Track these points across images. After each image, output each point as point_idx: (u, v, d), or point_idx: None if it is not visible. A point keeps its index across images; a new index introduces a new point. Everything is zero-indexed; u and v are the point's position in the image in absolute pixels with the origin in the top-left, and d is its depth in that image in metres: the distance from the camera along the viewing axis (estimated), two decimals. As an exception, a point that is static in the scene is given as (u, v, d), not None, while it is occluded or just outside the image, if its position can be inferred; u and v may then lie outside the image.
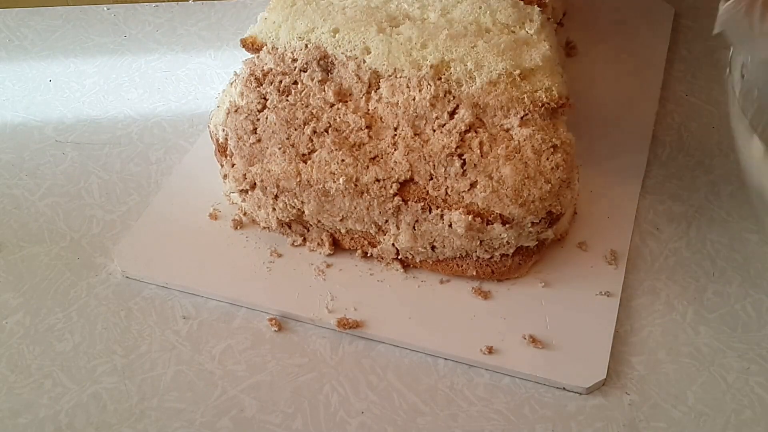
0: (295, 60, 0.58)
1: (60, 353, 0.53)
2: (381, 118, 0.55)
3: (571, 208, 0.57)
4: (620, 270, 0.55)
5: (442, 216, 0.52)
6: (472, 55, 0.55)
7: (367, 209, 0.53)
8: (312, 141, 0.54)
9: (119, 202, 0.62)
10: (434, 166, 0.53)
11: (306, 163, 0.54)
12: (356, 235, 0.56)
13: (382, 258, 0.56)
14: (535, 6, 0.59)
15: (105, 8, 0.81)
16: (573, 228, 0.58)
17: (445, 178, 0.52)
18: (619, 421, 0.49)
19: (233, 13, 0.80)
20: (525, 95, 0.54)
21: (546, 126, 0.54)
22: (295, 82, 0.57)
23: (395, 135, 0.54)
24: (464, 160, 0.52)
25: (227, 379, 0.51)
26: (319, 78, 0.57)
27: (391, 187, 0.52)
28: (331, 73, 0.57)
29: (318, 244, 0.57)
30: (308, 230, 0.57)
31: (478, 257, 0.54)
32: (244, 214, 0.59)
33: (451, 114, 0.54)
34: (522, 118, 0.53)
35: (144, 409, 0.50)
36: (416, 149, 0.53)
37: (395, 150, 0.53)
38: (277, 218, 0.56)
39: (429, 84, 0.55)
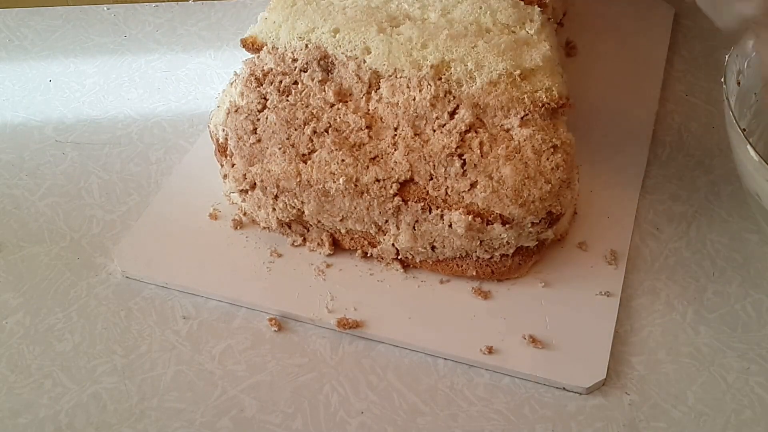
0: (295, 60, 0.58)
1: (60, 353, 0.53)
2: (381, 118, 0.55)
3: (571, 208, 0.57)
4: (620, 270, 0.55)
5: (442, 216, 0.52)
6: (473, 55, 0.55)
7: (367, 209, 0.53)
8: (312, 141, 0.54)
9: (119, 202, 0.62)
10: (434, 166, 0.53)
11: (306, 163, 0.54)
12: (356, 235, 0.56)
13: (382, 258, 0.56)
14: (536, 6, 0.59)
15: (105, 8, 0.81)
16: (573, 228, 0.58)
17: (445, 178, 0.52)
18: (619, 421, 0.49)
19: (233, 13, 0.80)
20: (525, 95, 0.54)
21: (546, 126, 0.54)
22: (296, 82, 0.57)
23: (395, 135, 0.54)
24: (464, 160, 0.52)
25: (227, 379, 0.51)
26: (320, 78, 0.57)
27: (391, 187, 0.52)
28: (332, 73, 0.57)
29: (318, 244, 0.57)
30: (308, 230, 0.57)
31: (478, 257, 0.54)
32: (244, 214, 0.59)
33: (452, 114, 0.54)
34: (522, 118, 0.53)
35: (144, 409, 0.50)
36: (416, 149, 0.53)
37: (395, 150, 0.53)
38: (277, 218, 0.56)
39: (429, 84, 0.55)
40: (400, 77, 0.55)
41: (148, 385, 0.51)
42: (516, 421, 0.49)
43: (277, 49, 0.59)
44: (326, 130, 0.54)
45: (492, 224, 0.52)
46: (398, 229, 0.54)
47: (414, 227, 0.53)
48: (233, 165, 0.56)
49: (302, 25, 0.59)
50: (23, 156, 0.66)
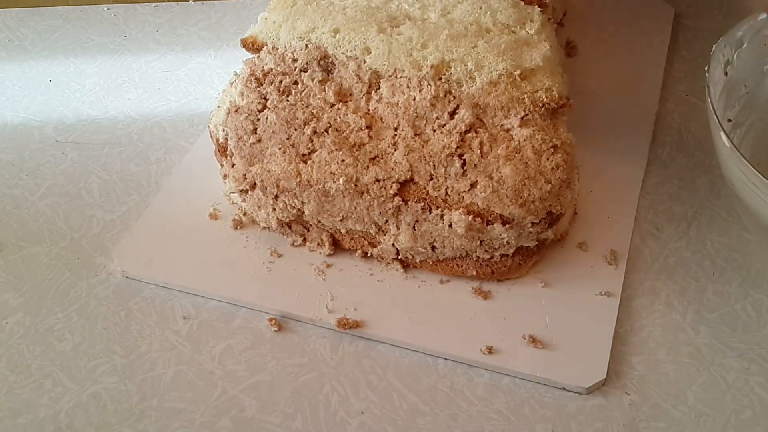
0: (295, 60, 0.58)
1: (60, 353, 0.53)
2: (381, 119, 0.55)
3: (571, 208, 0.57)
4: (620, 270, 0.55)
5: (442, 216, 0.52)
6: (473, 55, 0.55)
7: (367, 209, 0.53)
8: (312, 141, 0.54)
9: (119, 202, 0.62)
10: (434, 166, 0.53)
11: (306, 163, 0.54)
12: (356, 235, 0.56)
13: (382, 258, 0.56)
14: (536, 6, 0.59)
15: (105, 8, 0.81)
16: (573, 228, 0.58)
17: (446, 178, 0.52)
18: (619, 421, 0.49)
19: (233, 13, 0.80)
20: (525, 95, 0.54)
21: (546, 126, 0.54)
22: (296, 82, 0.57)
23: (395, 135, 0.54)
24: (464, 160, 0.52)
25: (227, 379, 0.51)
26: (320, 78, 0.57)
27: (391, 187, 0.52)
28: (332, 73, 0.57)
29: (318, 244, 0.57)
30: (308, 230, 0.57)
31: (478, 257, 0.54)
32: (244, 214, 0.59)
33: (452, 114, 0.54)
34: (522, 118, 0.53)
35: (144, 409, 0.50)
36: (416, 149, 0.53)
37: (395, 150, 0.53)
38: (277, 218, 0.56)
39: (429, 84, 0.55)
40: (400, 77, 0.55)
41: (148, 385, 0.51)
42: (516, 421, 0.49)
43: (277, 49, 0.59)
44: (326, 130, 0.54)
45: (492, 224, 0.52)
46: (398, 229, 0.54)
47: (414, 227, 0.53)
48: (233, 165, 0.56)
49: (302, 25, 0.59)
50: (23, 156, 0.66)
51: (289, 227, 0.57)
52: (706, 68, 0.53)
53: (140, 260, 0.57)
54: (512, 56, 0.55)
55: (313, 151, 0.54)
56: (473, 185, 0.52)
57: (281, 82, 0.57)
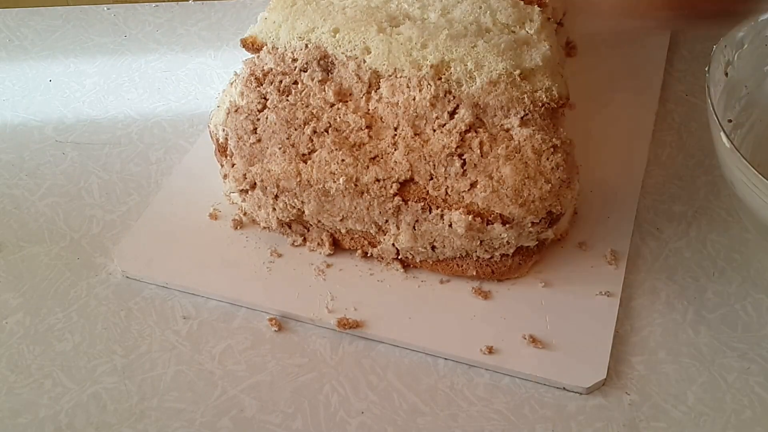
0: (295, 60, 0.58)
1: (60, 353, 0.53)
2: (381, 118, 0.55)
3: (571, 208, 0.57)
4: (620, 270, 0.55)
5: (442, 216, 0.52)
6: (473, 55, 0.55)
7: (367, 209, 0.53)
8: (312, 141, 0.54)
9: (119, 202, 0.62)
10: (434, 166, 0.52)
11: (306, 163, 0.54)
12: (356, 235, 0.56)
13: (382, 258, 0.56)
14: (536, 6, 0.59)
15: (105, 8, 0.81)
16: (573, 228, 0.58)
17: (445, 178, 0.52)
18: (619, 421, 0.49)
19: (233, 13, 0.80)
20: (525, 95, 0.54)
21: (546, 126, 0.54)
22: (296, 82, 0.57)
23: (395, 135, 0.54)
24: (464, 160, 0.52)
25: (227, 379, 0.51)
26: (320, 78, 0.57)
27: (391, 187, 0.52)
28: (332, 73, 0.57)
29: (318, 244, 0.57)
30: (308, 230, 0.57)
31: (478, 257, 0.54)
32: (244, 214, 0.59)
33: (451, 114, 0.54)
34: (522, 118, 0.53)
35: (144, 409, 0.50)
36: (416, 149, 0.53)
37: (395, 150, 0.53)
38: (277, 218, 0.56)
39: (429, 84, 0.55)
40: (400, 77, 0.55)
41: (148, 385, 0.51)
42: (516, 421, 0.49)
43: (277, 49, 0.59)
44: (326, 130, 0.54)
45: (492, 224, 0.52)
46: (398, 229, 0.54)
47: (414, 227, 0.53)
48: (233, 165, 0.56)
49: (302, 25, 0.59)
50: (23, 156, 0.66)
51: (289, 227, 0.57)
52: (706, 69, 0.53)
53: (140, 260, 0.57)
54: (512, 56, 0.55)
55: (313, 150, 0.54)
56: (473, 185, 0.52)
57: (281, 81, 0.57)
